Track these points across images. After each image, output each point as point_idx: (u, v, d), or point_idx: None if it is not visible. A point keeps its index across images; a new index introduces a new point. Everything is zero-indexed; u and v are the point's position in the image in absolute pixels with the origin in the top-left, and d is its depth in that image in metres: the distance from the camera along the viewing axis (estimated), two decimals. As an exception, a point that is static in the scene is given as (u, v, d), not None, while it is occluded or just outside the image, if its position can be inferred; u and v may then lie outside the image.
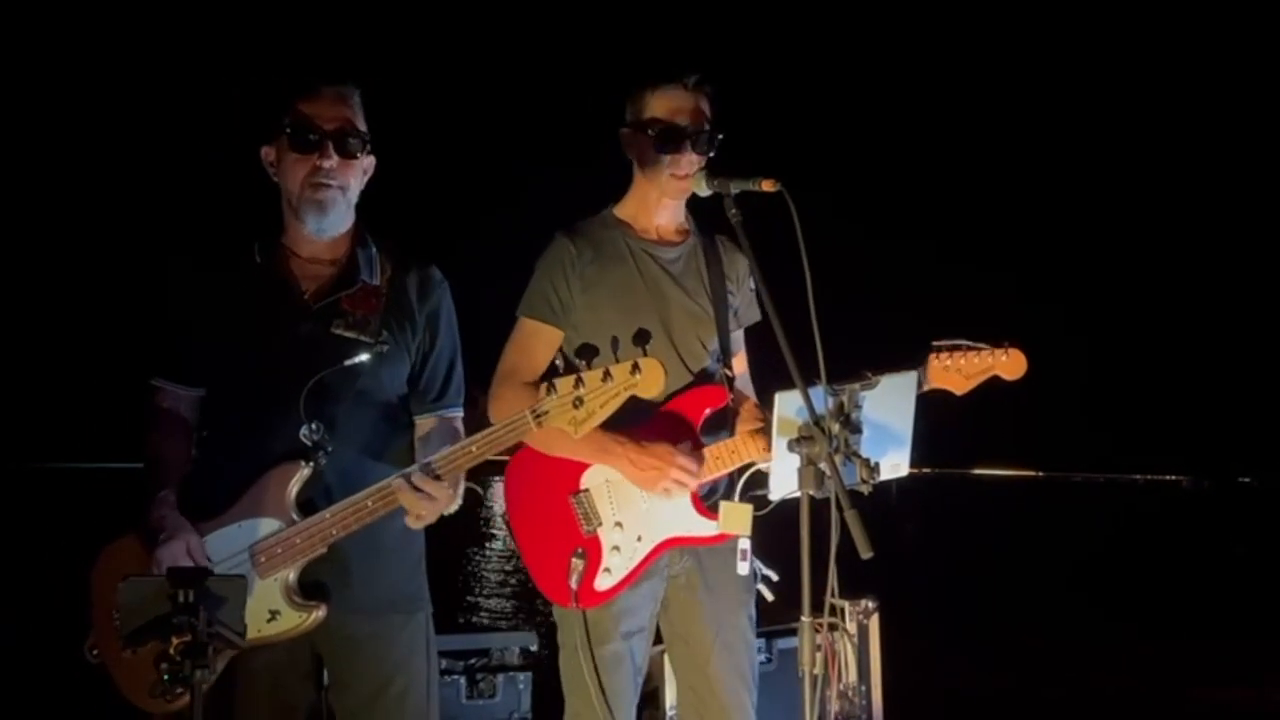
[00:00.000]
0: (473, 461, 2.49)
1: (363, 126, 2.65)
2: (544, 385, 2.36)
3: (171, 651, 2.14)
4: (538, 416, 2.38)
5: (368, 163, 2.71)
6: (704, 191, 2.79)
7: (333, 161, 2.59)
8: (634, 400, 2.86)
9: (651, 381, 2.32)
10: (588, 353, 2.39)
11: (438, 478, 2.46)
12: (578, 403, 2.33)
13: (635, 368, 2.31)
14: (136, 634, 2.19)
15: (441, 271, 2.82)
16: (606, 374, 2.32)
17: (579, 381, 2.33)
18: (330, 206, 2.61)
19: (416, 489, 2.46)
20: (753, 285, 2.95)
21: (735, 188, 2.66)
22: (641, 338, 2.34)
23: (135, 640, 2.20)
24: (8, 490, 25.11)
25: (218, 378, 2.66)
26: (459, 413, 2.80)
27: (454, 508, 2.58)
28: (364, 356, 2.58)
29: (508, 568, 15.60)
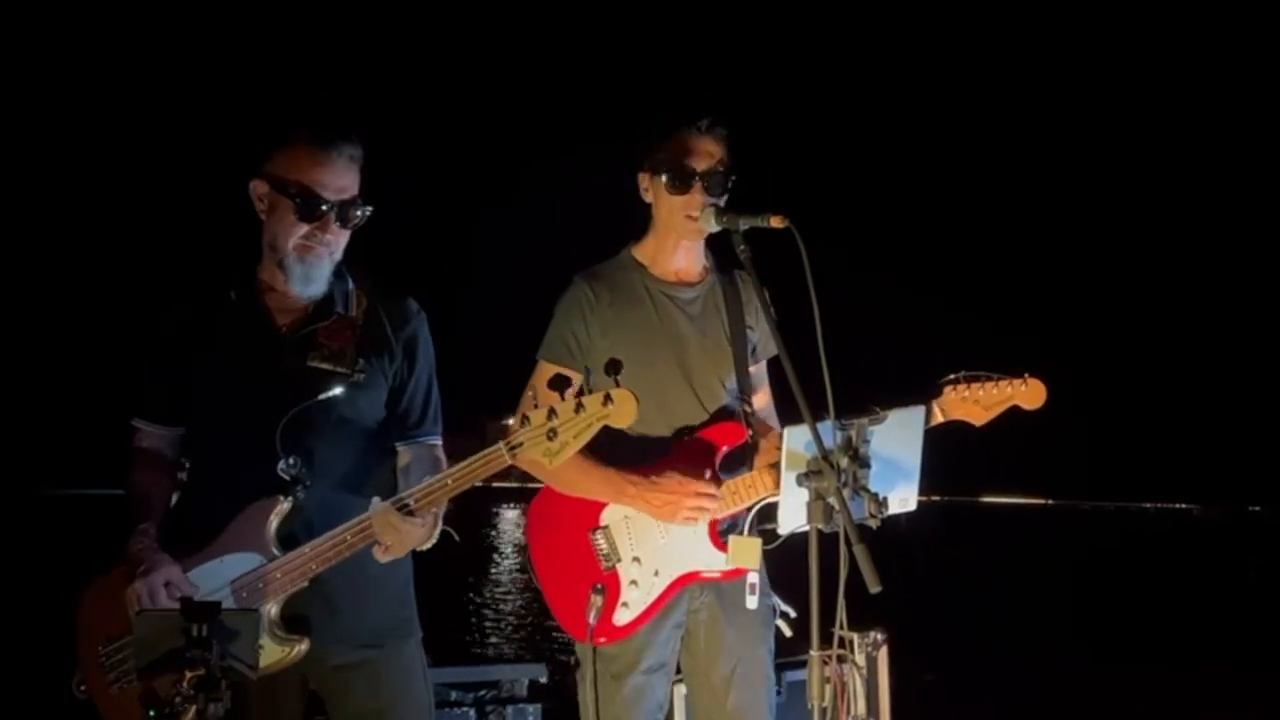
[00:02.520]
0: (449, 494, 2.48)
1: (359, 187, 2.63)
2: (518, 418, 2.38)
3: (185, 685, 2.15)
4: (512, 448, 2.39)
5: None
6: (713, 228, 2.82)
7: (332, 234, 2.60)
8: (652, 440, 2.88)
9: (624, 411, 2.32)
10: (560, 384, 2.40)
11: (410, 513, 2.45)
12: (551, 434, 2.34)
13: (607, 398, 2.32)
14: (151, 667, 2.20)
15: (418, 303, 2.81)
16: (579, 405, 2.33)
17: (552, 413, 2.34)
18: (315, 269, 2.60)
19: (388, 524, 2.45)
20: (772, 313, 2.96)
21: (744, 224, 2.68)
22: (613, 368, 2.35)
23: (150, 673, 2.22)
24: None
25: (197, 415, 2.68)
26: (439, 440, 2.80)
27: (429, 544, 2.58)
28: (338, 389, 2.59)
29: (517, 598, 15.56)
